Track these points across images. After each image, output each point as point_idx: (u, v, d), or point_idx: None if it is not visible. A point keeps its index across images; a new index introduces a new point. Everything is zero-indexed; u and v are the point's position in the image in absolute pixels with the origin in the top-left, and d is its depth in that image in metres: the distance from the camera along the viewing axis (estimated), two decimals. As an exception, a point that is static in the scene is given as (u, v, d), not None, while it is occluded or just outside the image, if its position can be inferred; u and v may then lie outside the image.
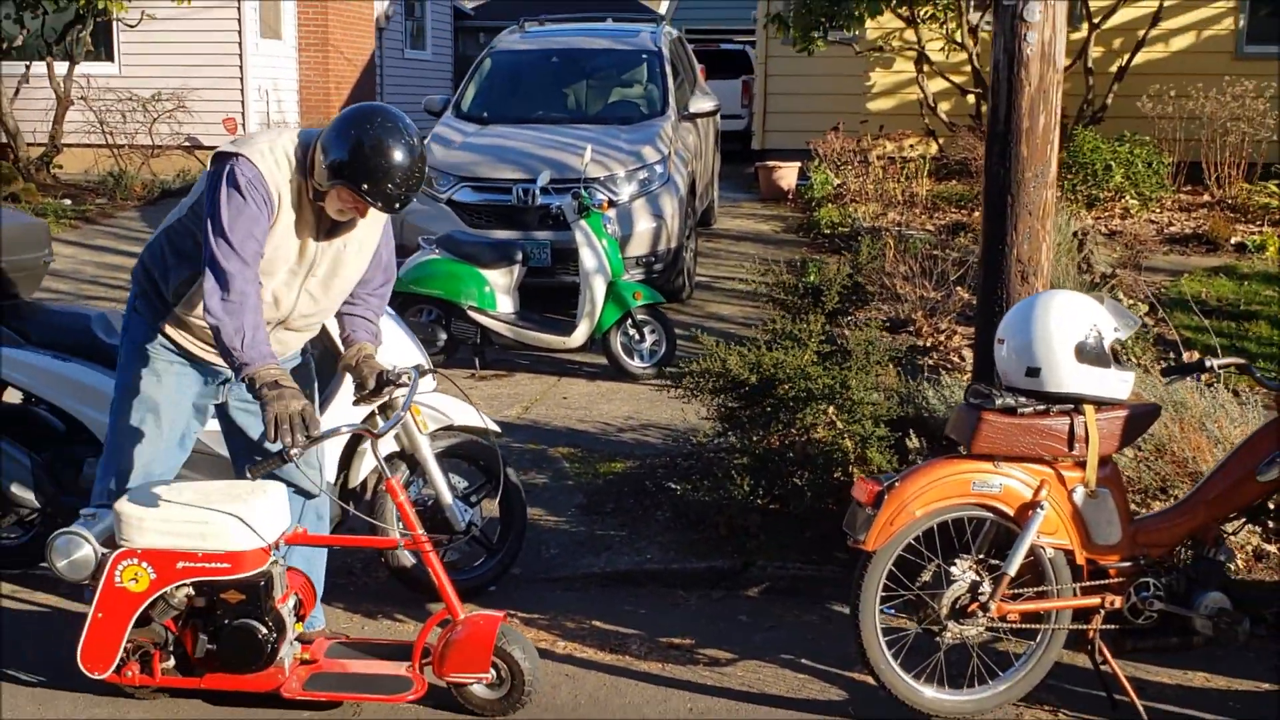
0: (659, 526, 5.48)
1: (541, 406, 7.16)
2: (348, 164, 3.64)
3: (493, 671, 3.88)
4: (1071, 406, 3.84)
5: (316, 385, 4.45)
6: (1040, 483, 3.84)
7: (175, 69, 15.39)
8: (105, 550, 3.83)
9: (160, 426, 4.04)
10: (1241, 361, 4.22)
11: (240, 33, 15.98)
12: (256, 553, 3.78)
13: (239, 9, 15.93)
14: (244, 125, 16.16)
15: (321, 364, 4.99)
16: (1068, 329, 3.81)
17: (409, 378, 4.16)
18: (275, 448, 3.92)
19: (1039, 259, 5.23)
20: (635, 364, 7.86)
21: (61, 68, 13.67)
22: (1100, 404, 3.86)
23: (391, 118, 3.78)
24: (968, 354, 7.56)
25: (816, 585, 4.98)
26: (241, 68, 16.06)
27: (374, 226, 4.03)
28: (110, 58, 15.68)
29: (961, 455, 3.93)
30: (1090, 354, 3.80)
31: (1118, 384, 3.86)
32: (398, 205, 3.77)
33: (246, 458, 4.19)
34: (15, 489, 4.81)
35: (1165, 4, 13.18)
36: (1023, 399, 3.87)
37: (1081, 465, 3.86)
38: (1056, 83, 5.14)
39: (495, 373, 7.83)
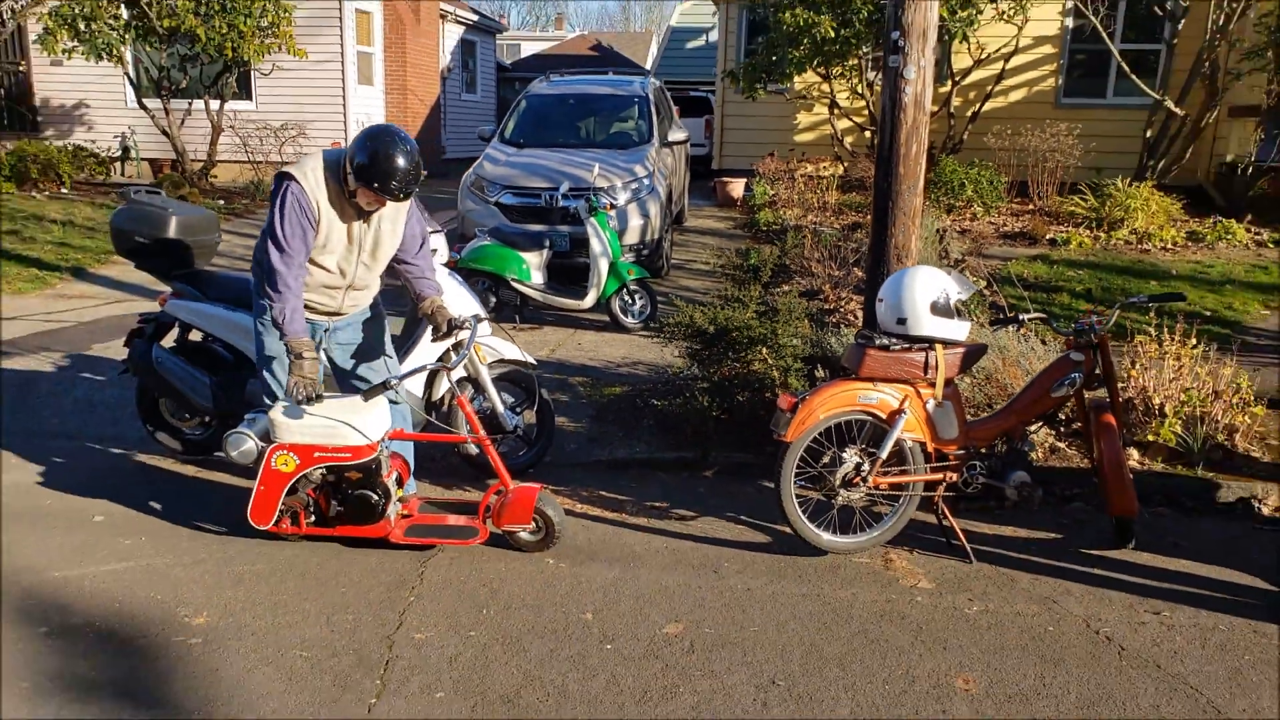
0: (645, 430, 5.53)
1: (563, 350, 7.15)
2: (366, 171, 3.71)
3: (533, 523, 4.05)
4: (927, 345, 3.99)
5: (387, 326, 4.49)
6: (904, 397, 4.00)
7: (296, 106, 15.22)
8: (264, 444, 3.97)
9: (285, 365, 4.08)
10: (1043, 316, 4.38)
11: (343, 80, 15.74)
12: (367, 447, 3.90)
13: (342, 63, 15.71)
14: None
15: (412, 314, 5.16)
16: (926, 292, 3.96)
17: (470, 323, 4.30)
18: (379, 379, 4.10)
19: (910, 246, 5.31)
20: (629, 321, 7.82)
21: (214, 104, 13.56)
22: (947, 344, 4.01)
23: (394, 136, 3.78)
24: (859, 314, 7.68)
25: (752, 469, 5.06)
26: (344, 106, 15.84)
27: (399, 209, 4.06)
28: (249, 97, 15.52)
29: (851, 378, 4.04)
30: (941, 309, 3.96)
31: (959, 330, 4.02)
32: (403, 196, 3.81)
33: (345, 380, 4.34)
34: (199, 400, 4.81)
35: (1007, 67, 12.99)
36: (894, 340, 4.03)
37: (933, 385, 4.01)
38: (925, 122, 5.16)
39: (530, 326, 7.80)
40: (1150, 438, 4.99)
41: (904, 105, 5.12)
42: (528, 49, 37.06)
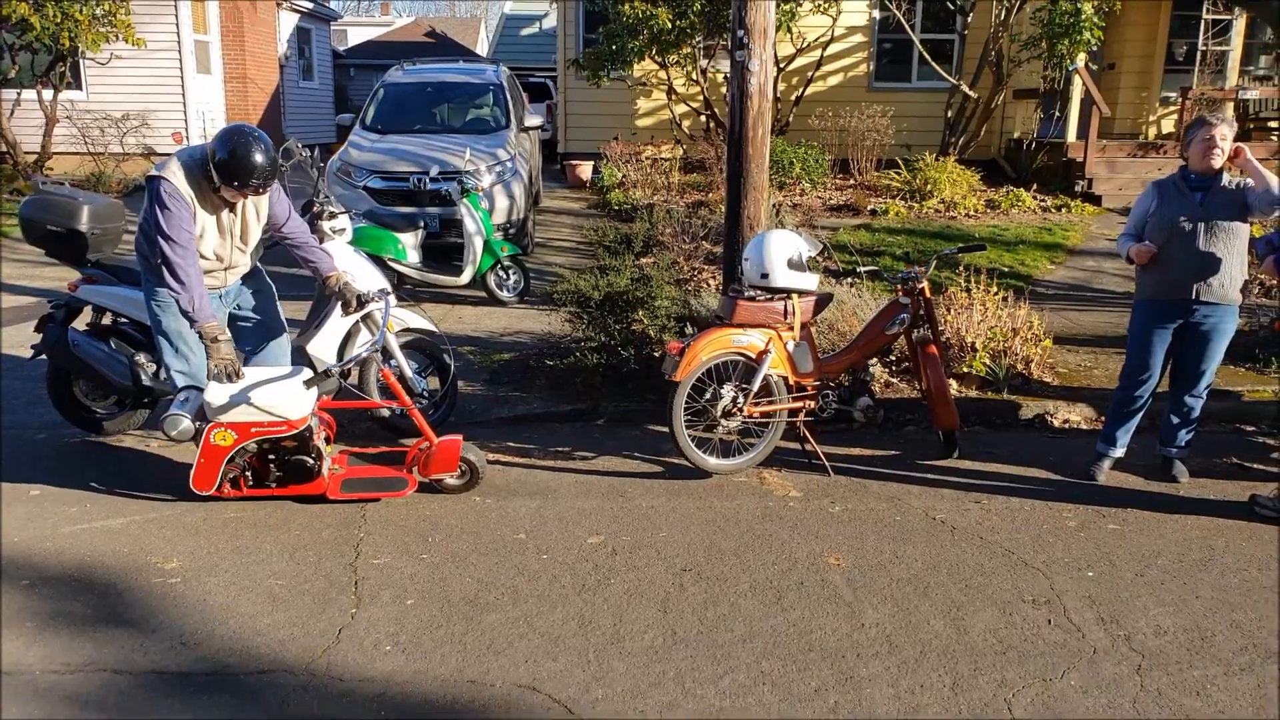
0: (538, 389, 6.00)
1: (445, 323, 7.43)
2: (226, 169, 4.08)
3: (459, 469, 4.47)
4: (785, 295, 4.70)
5: (278, 300, 4.85)
6: (769, 339, 4.67)
7: (133, 95, 14.67)
8: (200, 423, 4.22)
9: (182, 340, 4.43)
10: (876, 269, 5.19)
11: (181, 69, 15.24)
12: (299, 420, 4.21)
13: (179, 51, 15.21)
14: (188, 138, 15.54)
15: (322, 292, 5.44)
16: (782, 250, 4.64)
17: (378, 297, 4.67)
18: (278, 353, 4.67)
19: (760, 216, 6.00)
20: (505, 295, 8.17)
21: (47, 94, 12.93)
22: (801, 293, 4.72)
23: (249, 135, 4.14)
24: (711, 281, 8.39)
25: (637, 416, 5.64)
26: (184, 95, 15.34)
27: (261, 200, 4.43)
28: (80, 86, 14.81)
29: (725, 325, 4.67)
30: (795, 265, 4.66)
31: (810, 282, 4.71)
32: (263, 190, 4.26)
33: (242, 336, 4.68)
34: (118, 379, 4.94)
35: (824, 55, 14.05)
36: (759, 292, 4.71)
37: (792, 328, 4.73)
38: (768, 109, 5.84)
39: (409, 303, 8.07)
40: (965, 369, 5.91)
41: (750, 94, 5.79)
42: (356, 35, 36.22)
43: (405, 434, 5.26)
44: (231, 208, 4.35)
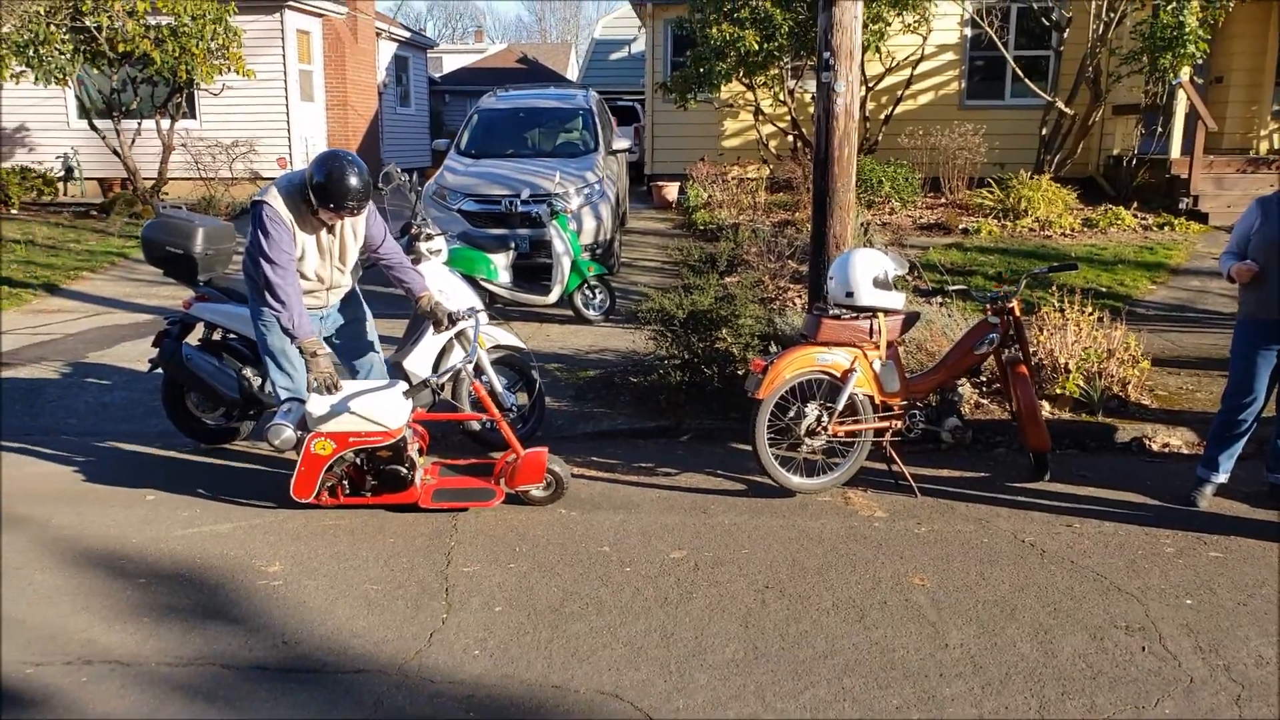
0: (623, 405, 6.10)
1: (534, 341, 7.63)
2: (323, 192, 4.32)
3: (545, 480, 4.59)
4: (871, 314, 4.70)
5: (372, 323, 5.07)
6: (854, 358, 4.67)
7: (241, 123, 15.43)
8: (301, 432, 4.44)
9: (287, 357, 4.69)
10: (964, 288, 5.12)
11: (286, 97, 15.99)
12: (395, 430, 4.39)
13: (285, 81, 15.97)
14: (291, 162, 16.26)
15: (415, 312, 5.65)
16: (868, 269, 4.64)
17: (468, 316, 4.84)
18: (368, 370, 4.89)
19: (846, 235, 6.01)
20: (591, 314, 8.34)
21: (165, 124, 13.70)
22: (887, 312, 4.71)
23: (343, 160, 4.37)
24: (796, 300, 8.40)
25: (720, 433, 5.67)
26: (288, 122, 16.09)
27: (359, 220, 4.65)
28: (194, 115, 15.65)
29: (810, 343, 4.69)
30: (881, 283, 4.65)
31: (896, 300, 4.71)
32: (357, 212, 4.46)
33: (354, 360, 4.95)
34: (227, 391, 5.23)
35: (915, 74, 14.00)
36: (844, 310, 4.72)
37: (878, 347, 4.72)
38: (854, 129, 5.86)
39: (499, 322, 8.26)
40: (1058, 391, 5.78)
41: (836, 115, 5.82)
42: (450, 62, 37.31)
43: (494, 447, 5.42)
44: (330, 229, 4.59)
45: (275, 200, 4.40)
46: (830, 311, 4.68)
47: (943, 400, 4.92)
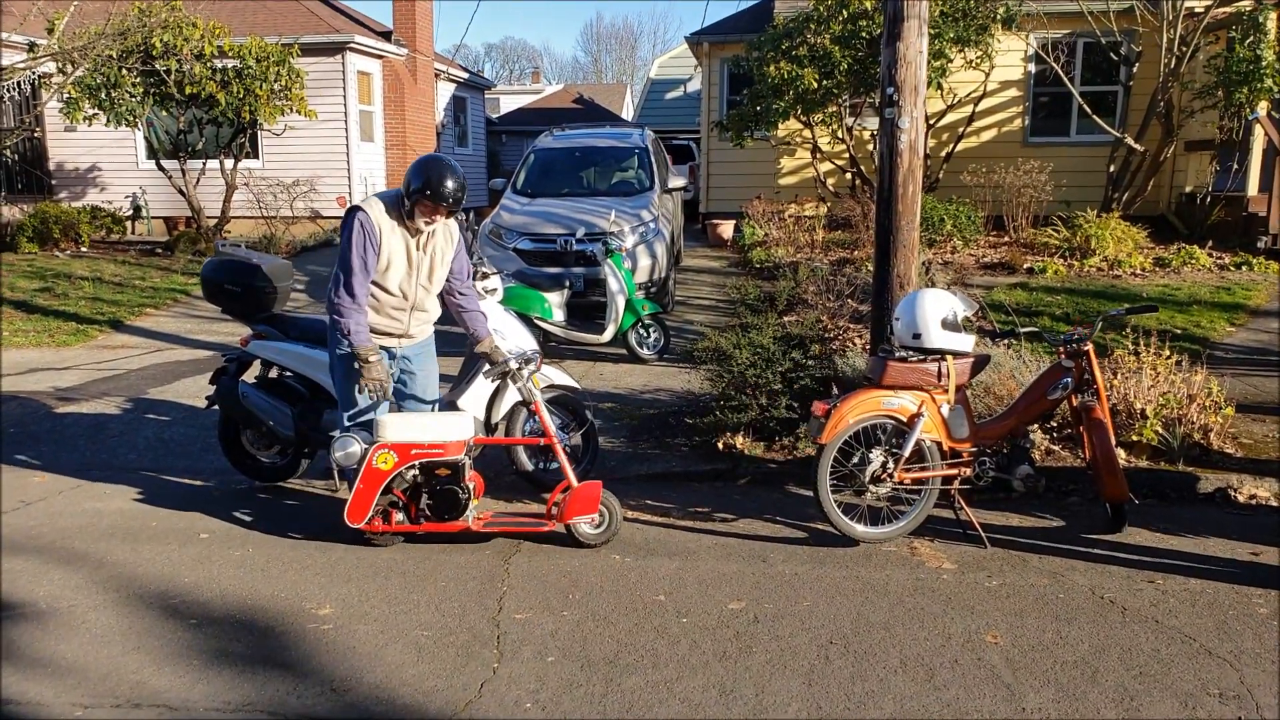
0: (677, 446, 6.01)
1: (587, 380, 7.60)
2: (422, 188, 4.38)
3: (598, 514, 4.53)
4: (939, 357, 4.57)
5: (436, 366, 5.05)
6: (921, 402, 4.55)
7: (302, 163, 15.83)
8: (366, 446, 4.48)
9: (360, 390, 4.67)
10: (1035, 330, 4.96)
11: (347, 138, 16.38)
12: (458, 444, 4.44)
13: (345, 122, 16.36)
14: (351, 201, 16.60)
15: (470, 352, 5.66)
16: (936, 310, 4.52)
17: (522, 363, 4.81)
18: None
19: (910, 275, 5.90)
20: (645, 353, 8.30)
21: (228, 164, 14.09)
22: (956, 355, 4.58)
23: (441, 160, 4.52)
24: (856, 340, 8.24)
25: (779, 477, 5.56)
26: (348, 162, 16.46)
27: (449, 239, 4.70)
28: (256, 155, 16.07)
29: (874, 387, 4.57)
30: (950, 325, 4.53)
31: (965, 343, 4.58)
32: (453, 204, 4.44)
33: (409, 402, 4.89)
34: (281, 429, 5.26)
35: (976, 110, 13.84)
36: (911, 353, 4.60)
37: (945, 391, 4.58)
38: (919, 166, 5.78)
39: (553, 360, 8.26)
40: (1135, 438, 5.55)
41: (900, 151, 5.73)
42: (508, 103, 38.01)
43: (547, 488, 5.35)
44: (421, 246, 4.58)
45: (370, 206, 4.51)
46: (896, 354, 4.56)
47: (1014, 447, 4.74)
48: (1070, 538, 4.71)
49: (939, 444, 4.59)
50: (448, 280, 4.81)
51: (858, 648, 3.59)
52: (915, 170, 5.76)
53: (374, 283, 4.55)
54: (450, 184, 4.39)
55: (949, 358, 4.53)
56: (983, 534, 4.62)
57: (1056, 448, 5.68)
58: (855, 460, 4.59)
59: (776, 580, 4.22)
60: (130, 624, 3.80)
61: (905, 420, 4.53)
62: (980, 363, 4.67)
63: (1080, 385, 4.74)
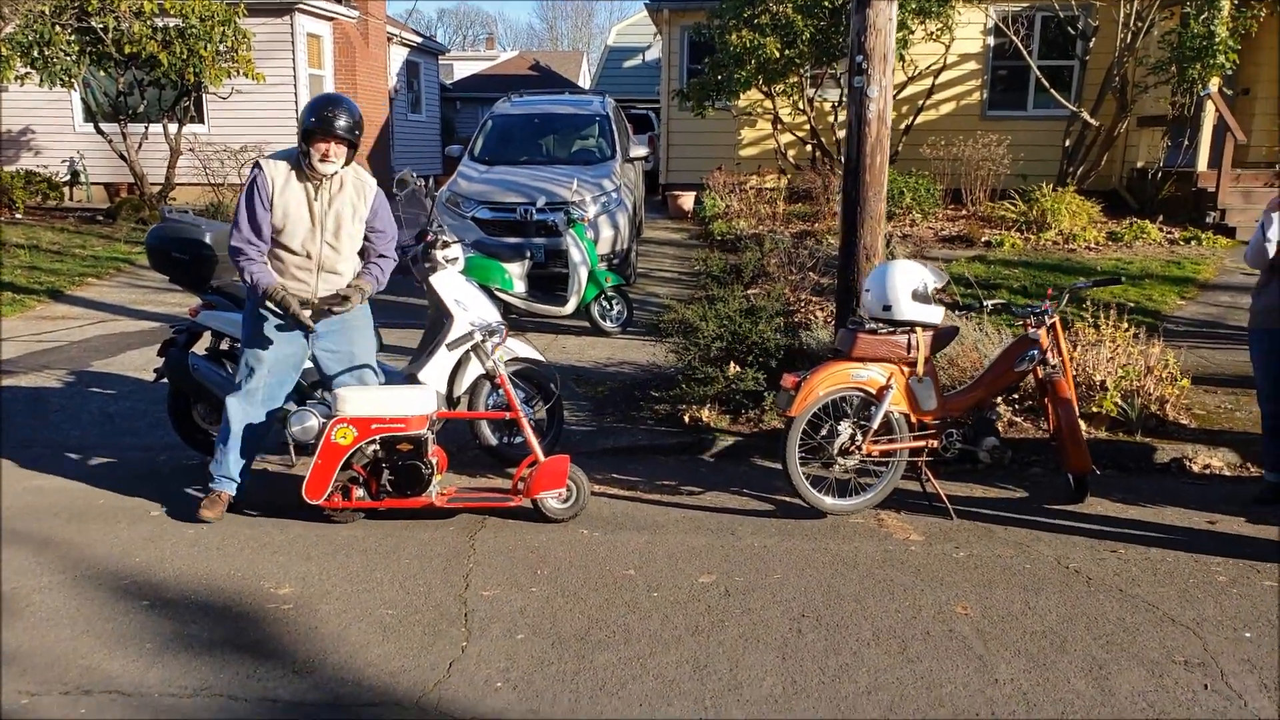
0: (643, 419, 5.94)
1: (549, 353, 7.39)
2: (310, 119, 4.24)
3: (566, 488, 4.46)
4: (909, 329, 4.56)
5: (374, 336, 4.84)
6: (890, 374, 4.53)
7: (249, 128, 15.37)
8: (324, 421, 4.36)
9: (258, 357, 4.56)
10: (1003, 302, 4.97)
11: (296, 102, 15.94)
12: (420, 418, 4.34)
13: (295, 86, 15.93)
14: (301, 168, 16.20)
15: (434, 322, 5.55)
16: (907, 281, 4.49)
17: (487, 332, 4.74)
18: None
19: (877, 246, 5.86)
20: (608, 325, 8.19)
21: (172, 128, 13.64)
22: (925, 326, 4.58)
23: (332, 94, 4.38)
24: (818, 313, 8.22)
25: (746, 450, 5.53)
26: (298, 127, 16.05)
27: (359, 197, 4.45)
28: (202, 120, 15.58)
29: (843, 359, 4.55)
30: (920, 296, 4.50)
31: (935, 315, 4.56)
32: (342, 131, 4.22)
33: (329, 387, 4.67)
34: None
35: (936, 83, 13.91)
36: (880, 325, 4.58)
37: (914, 363, 4.58)
38: (887, 135, 5.71)
39: (514, 333, 8.19)
40: (1095, 409, 5.61)
41: (868, 120, 5.68)
42: (461, 69, 37.32)
43: (511, 463, 5.27)
44: (326, 199, 4.36)
45: (266, 161, 4.38)
46: (866, 326, 4.53)
47: (980, 419, 4.76)
48: (1034, 508, 4.76)
49: (906, 416, 4.59)
50: (368, 240, 4.59)
51: (830, 620, 3.58)
52: (883, 140, 5.72)
53: (276, 242, 4.40)
54: (336, 113, 4.22)
55: (918, 330, 4.52)
56: (949, 505, 4.64)
57: (1019, 419, 5.73)
58: (823, 433, 4.57)
59: (746, 553, 4.19)
60: (79, 607, 3.66)
61: (874, 393, 4.51)
62: (947, 335, 4.66)
63: (1044, 358, 4.76)
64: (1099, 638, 3.46)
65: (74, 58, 12.27)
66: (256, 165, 4.37)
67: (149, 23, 12.19)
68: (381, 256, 4.64)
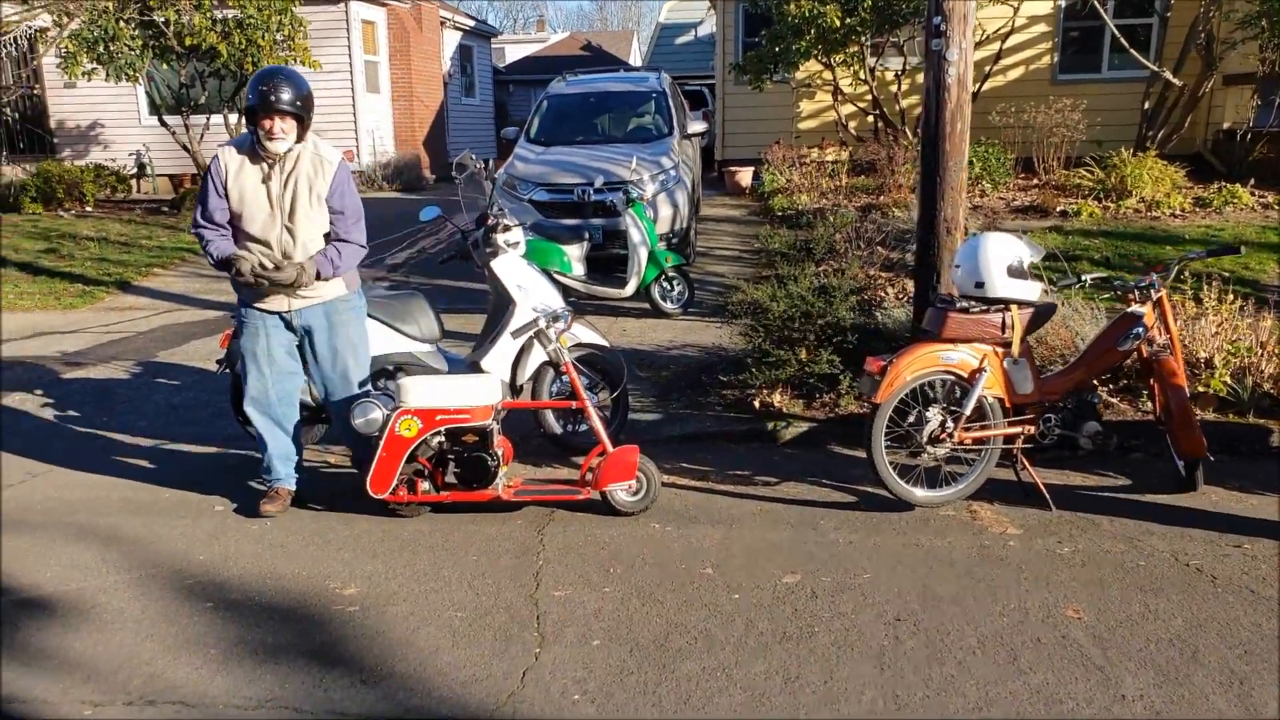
0: (710, 405, 5.68)
1: (610, 336, 7.13)
2: (250, 97, 3.99)
3: (636, 480, 4.23)
4: (1003, 307, 4.22)
5: (364, 330, 4.54)
6: (983, 356, 4.20)
7: (308, 116, 15.35)
8: (388, 412, 4.19)
9: (254, 358, 4.39)
10: (1104, 275, 4.60)
11: (352, 89, 15.92)
12: (486, 408, 4.15)
13: (350, 72, 15.89)
14: (358, 156, 16.16)
15: (496, 307, 5.35)
16: (1001, 256, 4.15)
17: (551, 318, 4.57)
18: (342, 387, 4.39)
19: (958, 218, 5.48)
20: (669, 306, 7.92)
21: (233, 118, 13.65)
22: (1021, 304, 4.23)
23: (273, 67, 4.14)
24: (888, 289, 7.88)
25: (821, 436, 5.24)
26: (354, 114, 16.01)
27: (317, 173, 4.13)
28: (261, 110, 15.57)
29: (932, 340, 4.23)
30: (1015, 272, 4.16)
31: (1032, 291, 4.21)
32: (275, 101, 3.93)
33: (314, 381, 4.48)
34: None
35: (1004, 47, 13.30)
36: (972, 303, 4.25)
37: (1008, 344, 4.24)
38: (968, 101, 5.36)
39: (579, 318, 8.01)
40: (1201, 389, 5.19)
41: (948, 85, 5.31)
42: (513, 52, 37.09)
43: (575, 451, 5.10)
44: (282, 180, 4.08)
45: (224, 148, 4.17)
46: (958, 304, 4.20)
47: (1080, 402, 4.40)
48: (1140, 497, 4.40)
49: (1000, 400, 4.26)
50: (331, 223, 4.22)
51: (929, 625, 3.29)
52: (964, 106, 5.36)
53: (240, 230, 4.15)
54: (276, 85, 3.94)
55: (1013, 307, 4.18)
56: (1047, 495, 4.30)
57: (1114, 400, 5.35)
58: (910, 420, 4.26)
59: (830, 550, 3.91)
60: (143, 609, 3.53)
61: (966, 376, 4.19)
62: (1046, 312, 4.31)
63: (1150, 335, 4.38)
64: (1234, 646, 3.12)
65: (138, 52, 12.30)
66: (215, 155, 4.16)
67: (208, 14, 12.16)
68: (342, 240, 4.24)
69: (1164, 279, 4.36)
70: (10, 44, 13.07)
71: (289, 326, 4.34)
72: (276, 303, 4.27)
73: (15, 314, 8.71)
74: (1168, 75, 11.71)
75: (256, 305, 4.29)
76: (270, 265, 4.16)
